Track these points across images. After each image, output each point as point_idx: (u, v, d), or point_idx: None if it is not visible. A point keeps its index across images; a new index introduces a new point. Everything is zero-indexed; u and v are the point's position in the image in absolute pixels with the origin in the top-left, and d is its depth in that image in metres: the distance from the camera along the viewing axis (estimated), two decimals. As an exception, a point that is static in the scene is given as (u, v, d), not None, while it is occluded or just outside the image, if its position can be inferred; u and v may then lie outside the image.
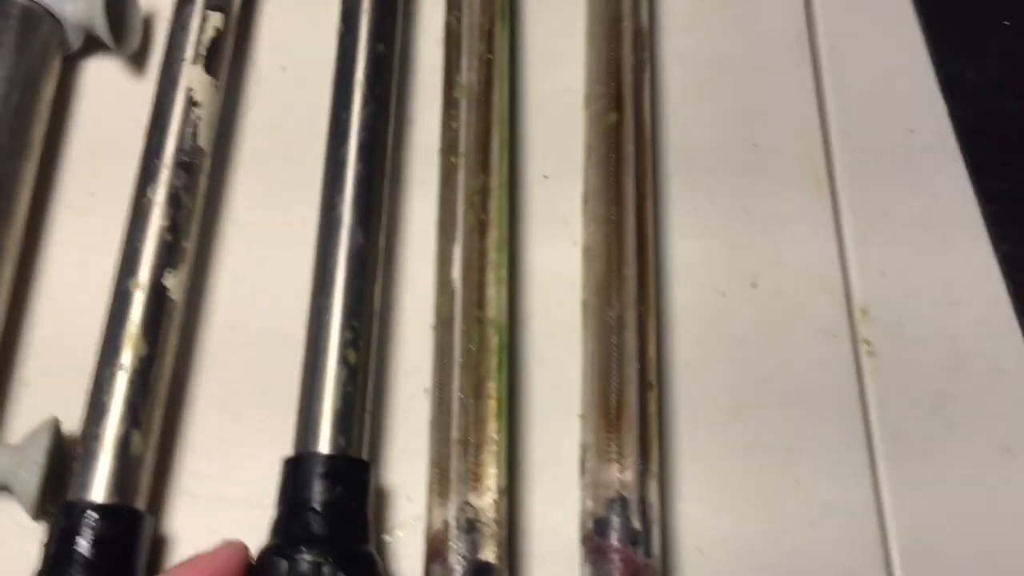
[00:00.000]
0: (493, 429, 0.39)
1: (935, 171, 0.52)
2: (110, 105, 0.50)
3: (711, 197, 0.50)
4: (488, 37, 0.48)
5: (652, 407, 0.40)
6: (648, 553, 0.37)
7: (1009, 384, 0.46)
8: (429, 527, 0.38)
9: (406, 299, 0.46)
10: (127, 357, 0.39)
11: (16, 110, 0.44)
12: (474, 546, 0.37)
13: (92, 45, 0.50)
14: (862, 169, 0.51)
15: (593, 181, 0.45)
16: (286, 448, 0.39)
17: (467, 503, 0.38)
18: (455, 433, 0.39)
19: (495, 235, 0.43)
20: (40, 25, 0.46)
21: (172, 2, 0.48)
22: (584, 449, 0.40)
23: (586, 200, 0.45)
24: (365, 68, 0.46)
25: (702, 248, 0.48)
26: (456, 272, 0.42)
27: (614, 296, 0.42)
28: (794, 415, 0.45)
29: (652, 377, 0.41)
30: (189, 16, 0.47)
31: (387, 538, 0.41)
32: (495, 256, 0.43)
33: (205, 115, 0.45)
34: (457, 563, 0.37)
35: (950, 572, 0.42)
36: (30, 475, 0.38)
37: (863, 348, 0.47)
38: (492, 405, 0.40)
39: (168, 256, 0.42)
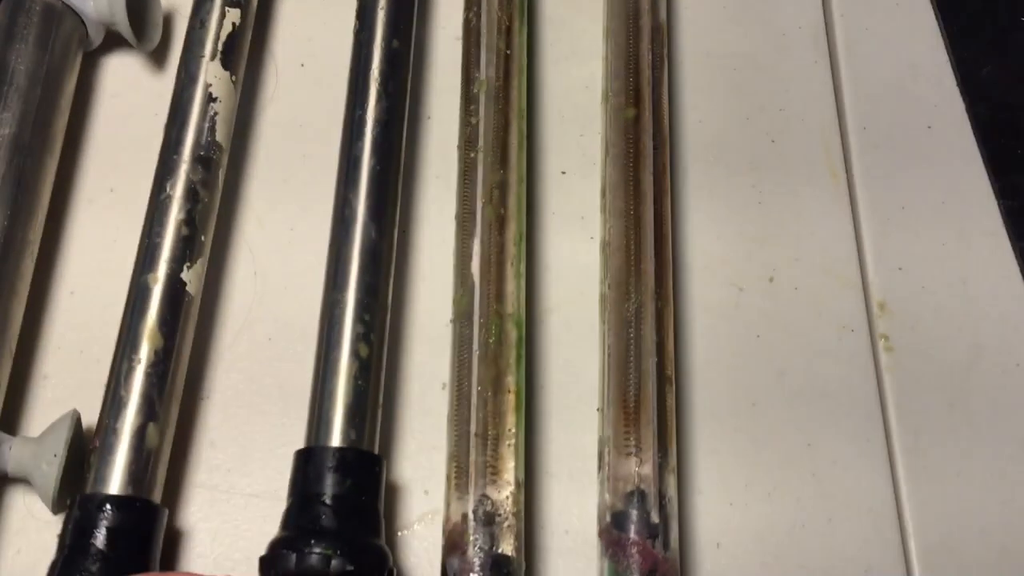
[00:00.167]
0: (511, 423, 0.39)
1: (953, 166, 0.51)
2: (131, 101, 0.50)
3: (729, 192, 0.50)
4: (507, 33, 0.48)
5: (670, 401, 0.40)
6: (666, 546, 0.37)
7: (1028, 379, 0.46)
8: (447, 520, 0.38)
9: (423, 294, 0.46)
10: (144, 350, 0.40)
11: (38, 106, 0.44)
12: (492, 539, 0.37)
13: (113, 41, 0.50)
14: (880, 164, 0.51)
15: (611, 176, 0.45)
16: (301, 442, 0.39)
17: (485, 496, 0.38)
18: (474, 427, 0.39)
19: (514, 229, 0.43)
20: (62, 22, 0.46)
21: (189, -1, 0.49)
22: (602, 443, 0.40)
23: (604, 195, 0.45)
24: (380, 65, 0.46)
25: (720, 243, 0.48)
26: (475, 266, 0.42)
27: (632, 290, 0.42)
28: (812, 410, 0.45)
29: (670, 371, 0.41)
30: (208, 12, 0.47)
31: (405, 532, 0.41)
32: (514, 250, 0.43)
33: (223, 110, 0.45)
34: (476, 556, 0.37)
35: (968, 566, 0.42)
36: (50, 468, 0.38)
37: (881, 343, 0.47)
38: (511, 399, 0.40)
39: (185, 250, 0.42)
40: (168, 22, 0.52)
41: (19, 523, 0.41)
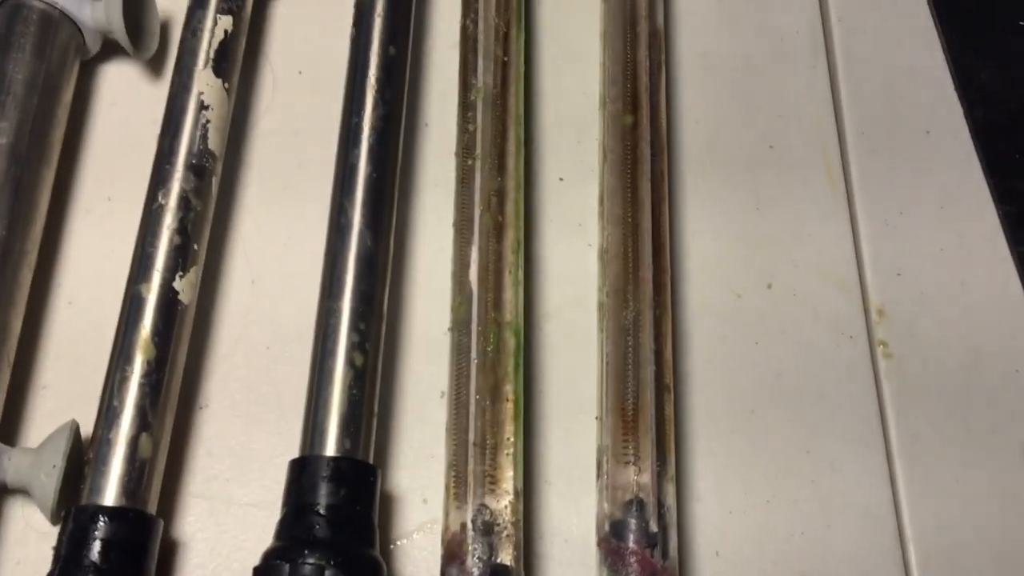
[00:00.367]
0: (510, 432, 0.39)
1: (951, 172, 0.51)
2: (128, 109, 0.50)
3: (727, 197, 0.50)
4: (504, 40, 0.48)
5: (668, 409, 0.40)
6: (665, 555, 0.37)
7: (1027, 385, 0.46)
8: (446, 530, 0.38)
9: (420, 302, 0.46)
10: (137, 361, 0.40)
11: (35, 115, 0.44)
12: (491, 548, 0.37)
13: (110, 49, 0.50)
14: (878, 169, 0.51)
15: (609, 183, 0.45)
16: (297, 451, 0.39)
17: (484, 505, 0.38)
18: (472, 436, 0.39)
19: (512, 237, 0.43)
20: (59, 30, 0.46)
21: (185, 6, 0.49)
22: (601, 451, 0.40)
23: (602, 202, 0.45)
24: (376, 72, 0.46)
25: (718, 249, 0.48)
26: (473, 274, 0.42)
27: (630, 298, 0.42)
28: (810, 416, 0.45)
29: (668, 379, 0.41)
30: (200, 21, 0.47)
31: (403, 541, 0.41)
32: (512, 258, 0.43)
33: (215, 118, 0.45)
34: (475, 566, 0.37)
35: (967, 572, 0.42)
36: (49, 479, 0.38)
37: (879, 349, 0.47)
38: (509, 408, 0.40)
39: (178, 259, 0.42)
40: (165, 30, 0.52)
41: (18, 534, 0.41)
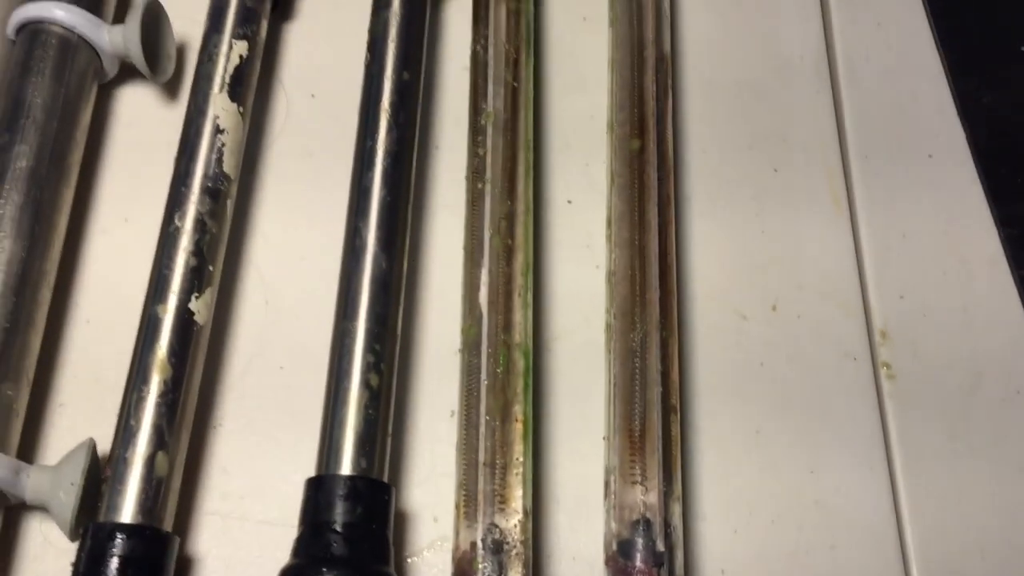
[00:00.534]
0: (519, 451, 0.40)
1: (953, 195, 0.52)
2: (145, 131, 0.51)
3: (732, 220, 0.50)
4: (514, 65, 0.48)
5: (675, 430, 0.41)
6: (671, 574, 0.38)
7: (1028, 407, 0.47)
8: (456, 548, 0.39)
9: (431, 322, 0.47)
10: (154, 381, 0.40)
11: (55, 138, 0.45)
12: (501, 567, 0.38)
13: (127, 73, 0.51)
14: (881, 193, 0.52)
15: (617, 207, 0.46)
16: (313, 469, 0.40)
17: (494, 524, 0.38)
18: (482, 455, 0.40)
19: (521, 259, 0.44)
20: (77, 55, 0.47)
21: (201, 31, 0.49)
22: (608, 471, 0.41)
23: (610, 225, 0.46)
24: (390, 96, 0.47)
25: (723, 272, 0.49)
26: (483, 297, 0.43)
27: (638, 320, 0.42)
28: (815, 437, 0.45)
29: (675, 400, 0.41)
30: (216, 46, 0.48)
31: (414, 559, 0.42)
32: (521, 281, 0.43)
33: (230, 142, 0.46)
34: (484, 584, 0.37)
35: (970, 594, 0.43)
36: (68, 496, 0.39)
37: (883, 370, 0.47)
38: (518, 428, 0.40)
39: (194, 280, 0.43)
40: (181, 54, 0.52)
41: (37, 550, 0.41)
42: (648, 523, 0.38)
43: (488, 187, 0.45)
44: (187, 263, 0.43)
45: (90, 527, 0.38)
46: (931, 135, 0.54)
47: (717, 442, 0.45)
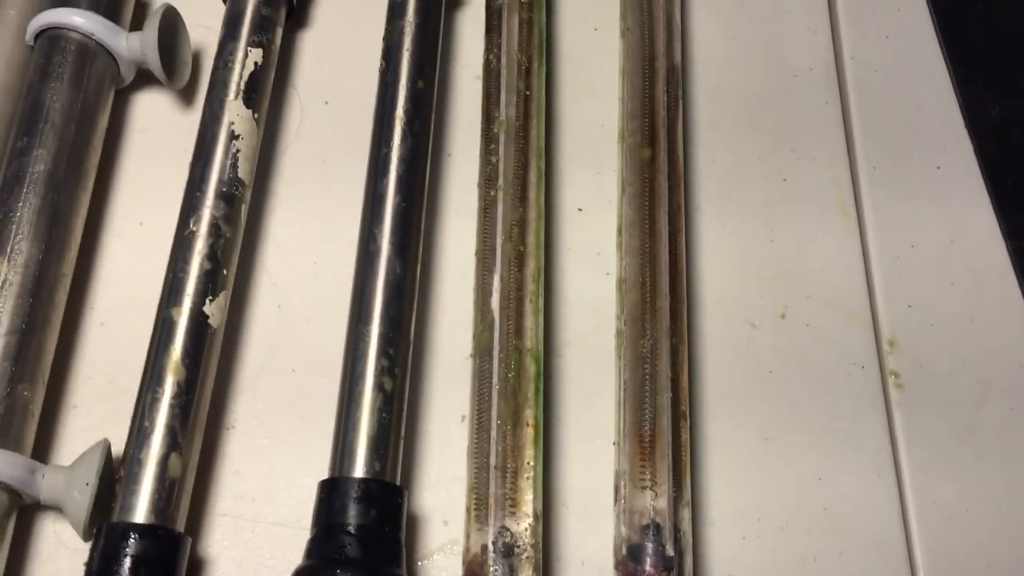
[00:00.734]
0: (530, 456, 0.40)
1: (961, 206, 0.52)
2: (161, 136, 0.51)
3: (741, 229, 0.51)
4: (526, 74, 0.49)
5: (685, 436, 0.41)
6: (681, 579, 0.38)
7: (1035, 416, 0.47)
8: (467, 551, 0.39)
9: (443, 326, 0.47)
10: (168, 382, 0.41)
11: (72, 142, 0.46)
12: (512, 571, 0.38)
13: (144, 78, 0.52)
14: (889, 203, 0.52)
15: (628, 215, 0.46)
16: (325, 471, 0.40)
17: (505, 528, 0.39)
18: (493, 459, 0.40)
19: (532, 266, 0.44)
20: (95, 60, 0.48)
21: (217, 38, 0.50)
22: (618, 476, 0.41)
23: (620, 233, 0.46)
24: (405, 104, 0.47)
25: (733, 280, 0.49)
26: (495, 302, 0.43)
27: (648, 327, 0.43)
28: (823, 444, 0.45)
29: (685, 406, 0.42)
30: (231, 53, 0.49)
31: (424, 562, 0.42)
32: (532, 287, 0.44)
33: (245, 147, 0.47)
34: (495, 587, 0.38)
35: (978, 602, 0.43)
36: (82, 496, 0.39)
37: (891, 379, 0.47)
38: (529, 432, 0.41)
39: (208, 284, 0.43)
40: (197, 60, 0.53)
41: (50, 549, 0.41)
42: (658, 528, 0.39)
43: (500, 194, 0.46)
44: (201, 267, 0.43)
45: (103, 527, 0.38)
46: (939, 146, 0.54)
47: (726, 448, 0.45)
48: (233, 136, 0.47)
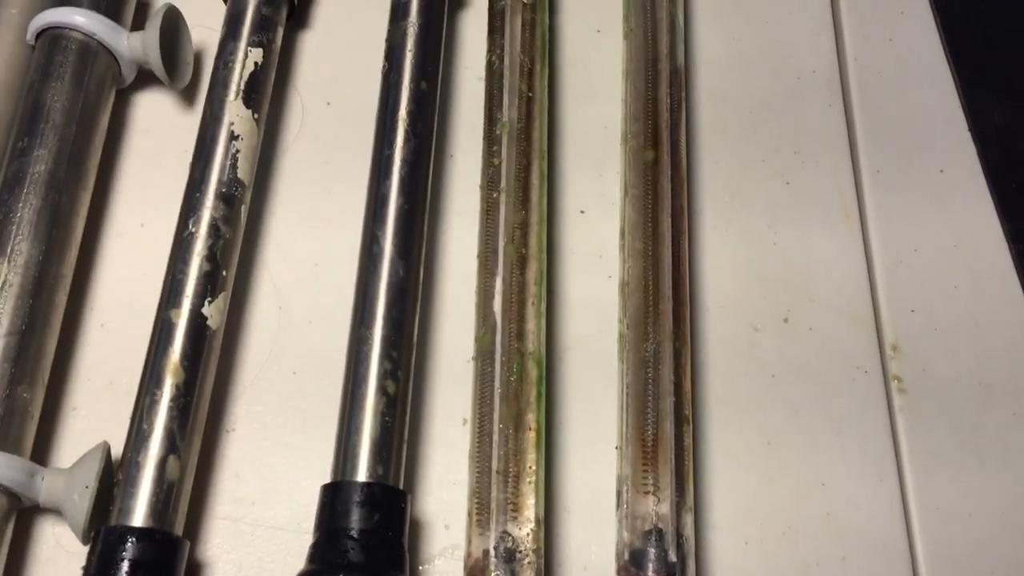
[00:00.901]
0: (532, 460, 0.40)
1: (964, 210, 0.52)
2: (162, 137, 0.51)
3: (744, 233, 0.51)
4: (528, 76, 0.49)
5: (687, 440, 0.41)
6: (683, 584, 0.38)
7: (1039, 421, 0.47)
8: (468, 556, 0.39)
9: (445, 329, 0.47)
10: (167, 384, 0.40)
11: (73, 142, 0.45)
12: (513, 575, 0.38)
13: (145, 79, 0.51)
14: (893, 207, 0.52)
15: (631, 217, 0.46)
16: (326, 475, 0.40)
17: (506, 532, 0.38)
18: (495, 464, 0.40)
19: (535, 269, 0.44)
20: (97, 60, 0.47)
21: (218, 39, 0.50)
22: (621, 481, 0.41)
23: (623, 235, 0.46)
24: (408, 106, 0.47)
25: (736, 283, 0.49)
26: (497, 305, 0.43)
27: (651, 331, 0.43)
28: (826, 449, 0.45)
29: (687, 410, 0.42)
30: (231, 53, 0.48)
31: (426, 566, 0.42)
32: (535, 290, 0.44)
33: (245, 148, 0.46)
34: (497, 591, 0.37)
35: (981, 608, 0.43)
36: (81, 499, 0.39)
37: (894, 383, 0.47)
38: (531, 436, 0.41)
39: (207, 285, 0.43)
40: (198, 60, 0.53)
41: (48, 552, 0.41)
42: (660, 533, 0.38)
43: (503, 196, 0.45)
44: (201, 268, 0.43)
45: (101, 530, 0.38)
46: (942, 150, 0.54)
47: (729, 453, 0.45)
48: (233, 136, 0.46)
